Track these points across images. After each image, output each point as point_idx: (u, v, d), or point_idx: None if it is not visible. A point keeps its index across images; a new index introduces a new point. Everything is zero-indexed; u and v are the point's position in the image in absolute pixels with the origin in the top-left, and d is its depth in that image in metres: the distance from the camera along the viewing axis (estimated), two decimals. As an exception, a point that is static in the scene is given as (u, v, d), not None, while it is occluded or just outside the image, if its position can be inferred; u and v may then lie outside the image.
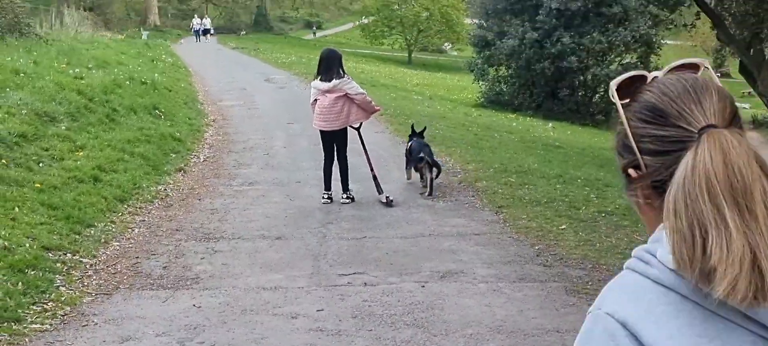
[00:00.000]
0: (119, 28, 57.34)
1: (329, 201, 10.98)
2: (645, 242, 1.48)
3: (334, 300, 6.99)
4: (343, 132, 11.05)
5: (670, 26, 31.09)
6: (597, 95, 34.15)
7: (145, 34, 55.66)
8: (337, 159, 11.16)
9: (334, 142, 11.12)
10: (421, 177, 11.71)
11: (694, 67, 1.53)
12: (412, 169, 11.87)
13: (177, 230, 9.46)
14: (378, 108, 11.74)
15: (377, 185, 11.18)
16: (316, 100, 10.94)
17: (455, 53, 78.49)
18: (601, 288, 1.40)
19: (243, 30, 76.24)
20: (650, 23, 32.45)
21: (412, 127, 12.42)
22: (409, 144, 12.03)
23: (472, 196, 11.40)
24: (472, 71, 36.10)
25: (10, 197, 9.06)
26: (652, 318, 1.36)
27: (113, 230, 9.25)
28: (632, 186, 1.50)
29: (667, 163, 1.41)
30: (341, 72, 10.79)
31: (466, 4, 68.53)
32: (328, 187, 11.12)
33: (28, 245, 7.80)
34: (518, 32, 32.23)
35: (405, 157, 12.27)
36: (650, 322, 1.36)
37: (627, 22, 32.16)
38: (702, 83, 1.46)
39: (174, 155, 14.06)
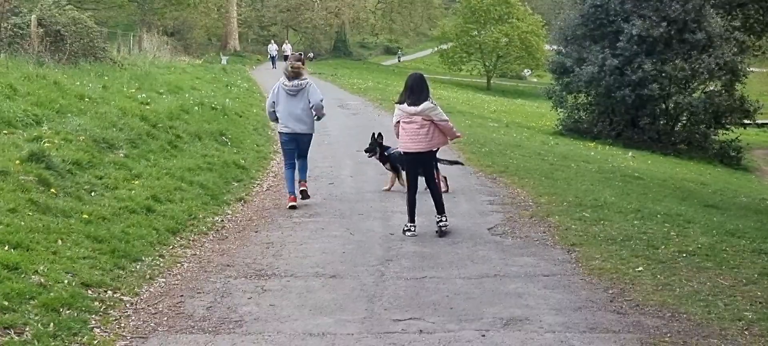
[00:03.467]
0: (198, 53, 57.77)
1: (412, 233, 10.53)
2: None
3: (385, 350, 6.43)
4: (429, 155, 10.82)
5: (757, 53, 29.97)
6: (679, 124, 33.18)
7: (224, 59, 56.00)
8: (428, 185, 10.96)
9: (420, 166, 10.91)
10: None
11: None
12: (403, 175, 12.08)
13: (228, 265, 8.97)
14: (459, 134, 11.64)
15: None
16: (399, 122, 10.71)
17: (535, 80, 77.83)
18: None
19: (311, 53, 75.63)
20: (736, 50, 31.31)
21: (380, 135, 13.79)
22: (394, 152, 13.02)
23: (544, 232, 10.74)
24: (550, 98, 35.42)
25: (54, 229, 8.65)
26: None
27: (161, 264, 8.80)
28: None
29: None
30: (429, 97, 10.51)
31: (545, 30, 67.88)
32: (412, 219, 10.66)
33: (66, 281, 7.36)
34: (598, 59, 31.45)
35: (390, 164, 13.56)
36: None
37: (711, 49, 31.06)
38: (295, 56, 13.04)
39: (236, 184, 13.69)
